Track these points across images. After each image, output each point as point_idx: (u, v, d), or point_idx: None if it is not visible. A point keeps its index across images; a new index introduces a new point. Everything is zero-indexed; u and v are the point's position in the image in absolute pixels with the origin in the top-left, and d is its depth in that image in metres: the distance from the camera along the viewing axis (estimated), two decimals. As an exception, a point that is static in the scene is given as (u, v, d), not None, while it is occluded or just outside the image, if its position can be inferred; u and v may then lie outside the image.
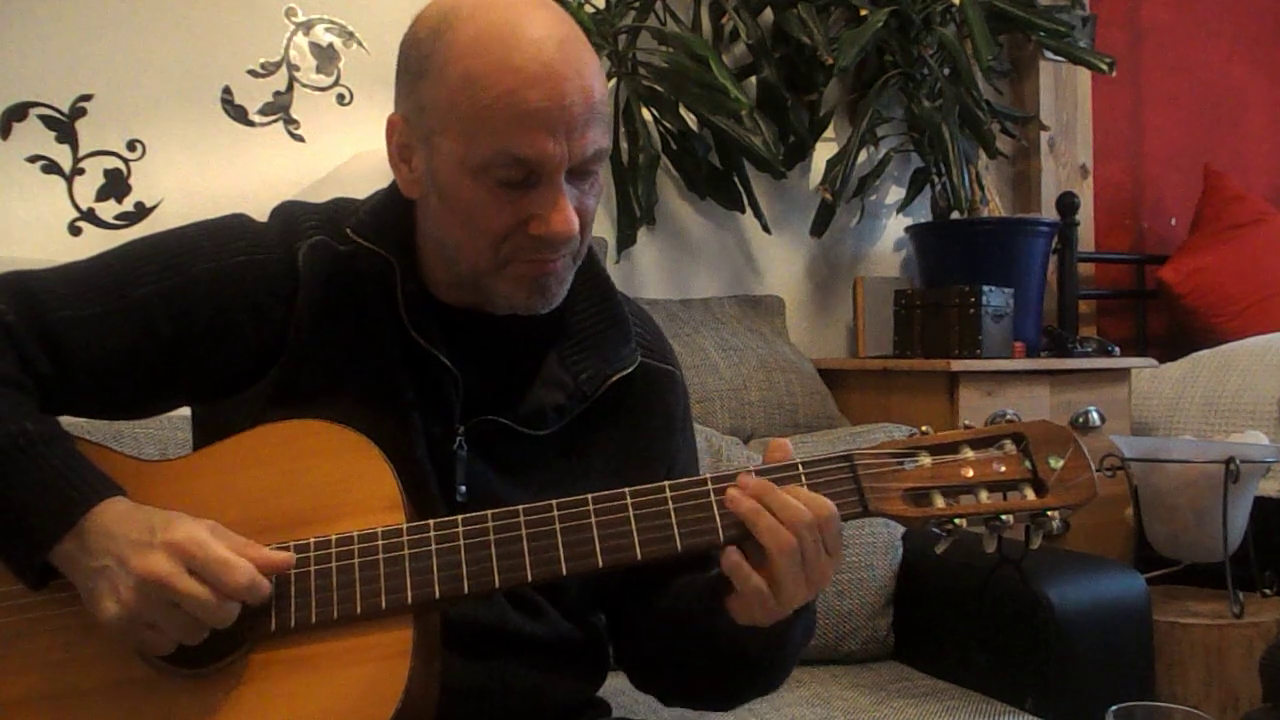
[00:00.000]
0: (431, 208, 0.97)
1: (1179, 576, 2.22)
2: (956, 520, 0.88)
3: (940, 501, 0.89)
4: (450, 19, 0.91)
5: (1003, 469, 0.90)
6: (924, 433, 0.92)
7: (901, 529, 1.79)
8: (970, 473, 0.90)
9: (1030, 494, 0.90)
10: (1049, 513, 0.89)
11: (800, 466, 0.90)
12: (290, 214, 1.03)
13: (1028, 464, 0.90)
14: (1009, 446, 0.91)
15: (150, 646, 0.87)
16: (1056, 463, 0.90)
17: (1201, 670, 2.01)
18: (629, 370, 1.05)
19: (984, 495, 0.89)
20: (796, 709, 1.51)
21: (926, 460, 0.91)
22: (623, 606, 1.10)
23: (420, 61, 0.93)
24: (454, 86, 0.90)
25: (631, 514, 0.89)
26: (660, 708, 1.47)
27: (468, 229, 0.94)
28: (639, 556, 0.89)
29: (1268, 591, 2.13)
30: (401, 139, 0.97)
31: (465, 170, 0.91)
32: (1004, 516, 0.89)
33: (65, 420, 0.96)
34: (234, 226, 1.02)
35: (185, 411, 1.08)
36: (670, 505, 0.90)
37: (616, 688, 1.17)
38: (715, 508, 0.90)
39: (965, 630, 1.65)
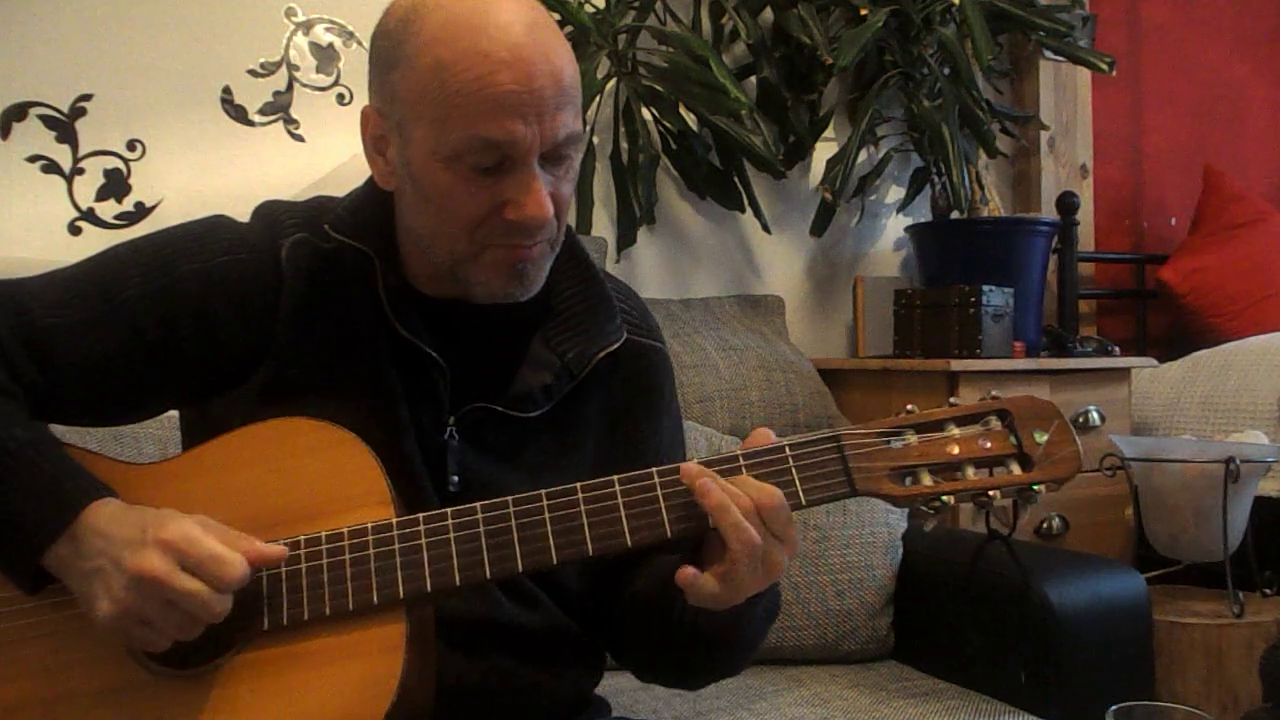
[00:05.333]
0: (407, 198, 0.98)
1: (1179, 576, 2.22)
2: (944, 498, 0.89)
3: (928, 479, 0.90)
4: (419, 8, 0.92)
5: (989, 445, 0.91)
6: (910, 411, 0.92)
7: (901, 529, 1.79)
8: (957, 450, 0.90)
9: (1016, 469, 0.90)
10: (1035, 487, 0.89)
11: (788, 449, 0.90)
12: (272, 213, 1.04)
13: (1013, 439, 0.91)
14: (994, 422, 0.92)
15: (145, 644, 0.87)
16: (1041, 437, 0.90)
17: (1201, 670, 2.00)
18: (615, 346, 1.05)
19: (971, 472, 0.90)
20: (796, 709, 1.50)
21: (913, 438, 0.91)
22: (611, 592, 1.10)
23: (390, 51, 0.93)
24: (424, 75, 0.90)
25: (620, 500, 0.90)
26: (661, 707, 1.48)
27: (442, 217, 0.94)
28: (629, 543, 0.89)
29: (1268, 591, 2.13)
30: (376, 130, 0.97)
31: (438, 158, 0.91)
32: (991, 493, 0.89)
33: (61, 428, 0.96)
34: (217, 227, 1.02)
35: (180, 413, 1.08)
36: (659, 491, 0.90)
37: (616, 686, 1.17)
38: None
39: (965, 630, 1.65)
